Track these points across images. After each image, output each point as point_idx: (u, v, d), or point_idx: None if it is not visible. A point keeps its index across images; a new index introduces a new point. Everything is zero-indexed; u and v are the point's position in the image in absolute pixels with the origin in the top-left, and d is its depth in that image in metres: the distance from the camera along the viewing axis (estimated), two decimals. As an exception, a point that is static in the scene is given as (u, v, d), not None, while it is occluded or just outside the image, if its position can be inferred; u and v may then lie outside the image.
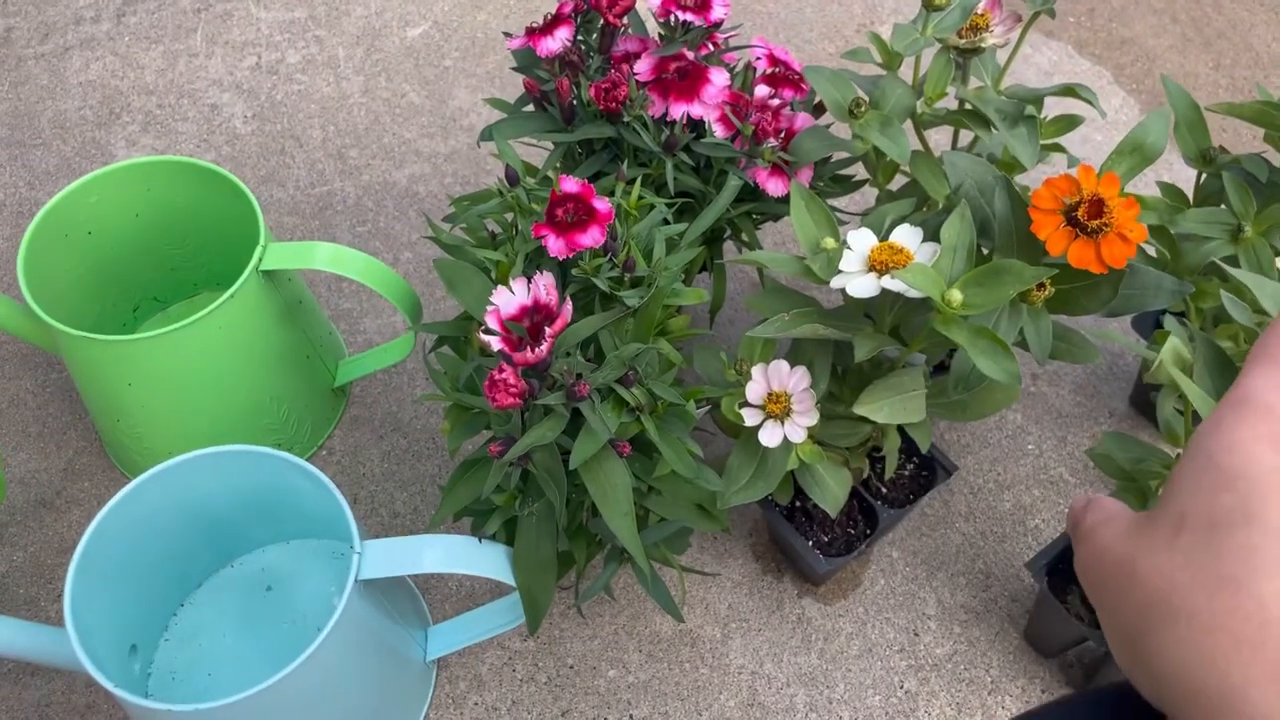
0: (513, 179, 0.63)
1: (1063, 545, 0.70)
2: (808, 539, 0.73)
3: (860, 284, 0.60)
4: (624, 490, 0.57)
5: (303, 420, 0.81)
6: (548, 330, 0.53)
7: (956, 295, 0.59)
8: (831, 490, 0.67)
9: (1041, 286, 0.60)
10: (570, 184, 0.61)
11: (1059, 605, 0.68)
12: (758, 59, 0.73)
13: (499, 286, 0.56)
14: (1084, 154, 1.03)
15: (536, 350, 0.52)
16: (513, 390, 0.52)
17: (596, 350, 0.61)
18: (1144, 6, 1.15)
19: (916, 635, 0.76)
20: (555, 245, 0.59)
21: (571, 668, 0.74)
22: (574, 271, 0.59)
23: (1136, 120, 1.06)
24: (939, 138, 1.02)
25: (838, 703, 0.73)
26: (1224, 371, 0.56)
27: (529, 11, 1.14)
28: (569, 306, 0.54)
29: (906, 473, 0.75)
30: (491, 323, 0.54)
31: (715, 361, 0.66)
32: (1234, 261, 0.65)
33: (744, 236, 0.75)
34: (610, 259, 0.60)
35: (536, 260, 0.62)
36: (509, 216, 0.65)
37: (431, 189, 0.99)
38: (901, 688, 0.73)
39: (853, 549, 0.72)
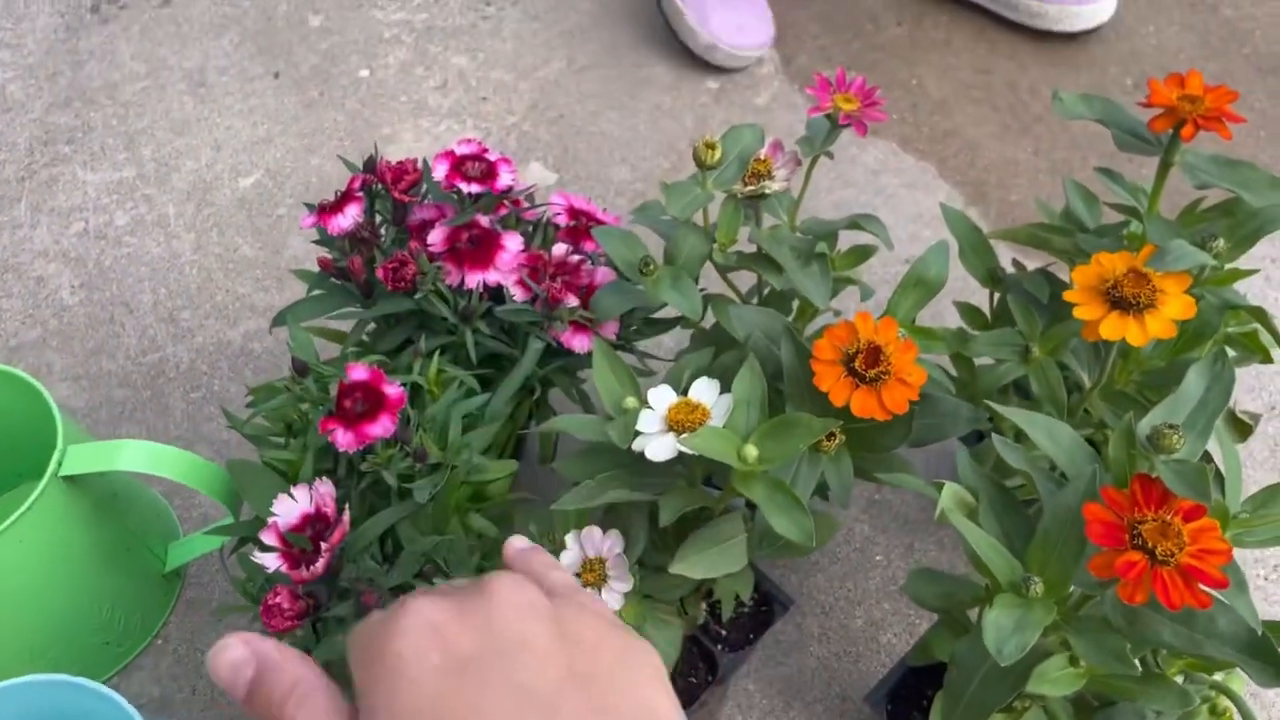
0: (301, 370, 0.62)
1: (901, 673, 0.69)
2: (649, 693, 0.72)
3: (658, 446, 0.60)
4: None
5: (131, 614, 0.78)
6: (323, 545, 0.52)
7: (751, 451, 0.59)
8: (660, 650, 0.66)
9: (832, 436, 0.61)
10: (359, 371, 0.60)
11: (902, 735, 0.68)
12: (558, 214, 0.74)
13: (280, 495, 0.55)
14: (915, 251, 1.05)
15: (312, 568, 0.51)
16: (288, 614, 0.50)
17: (396, 543, 0.60)
18: (964, 97, 1.19)
19: (777, 771, 0.75)
20: (344, 439, 0.58)
21: None
22: (363, 467, 0.58)
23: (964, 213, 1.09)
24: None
25: None
26: (1009, 510, 0.57)
27: (364, 152, 1.13)
28: (347, 517, 0.53)
29: (747, 609, 0.75)
30: (269, 538, 0.53)
31: (531, 529, 0.66)
32: (1026, 382, 0.67)
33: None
34: (402, 448, 0.59)
35: (334, 452, 0.61)
36: (304, 406, 0.64)
37: (267, 345, 0.98)
38: (764, 830, 0.72)
39: (695, 699, 0.71)
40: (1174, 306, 0.57)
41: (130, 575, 0.77)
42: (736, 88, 1.20)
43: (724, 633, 0.74)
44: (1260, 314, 0.62)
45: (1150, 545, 0.48)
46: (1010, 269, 0.75)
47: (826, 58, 1.23)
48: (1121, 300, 0.57)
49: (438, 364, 0.65)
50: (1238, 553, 0.86)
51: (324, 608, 0.53)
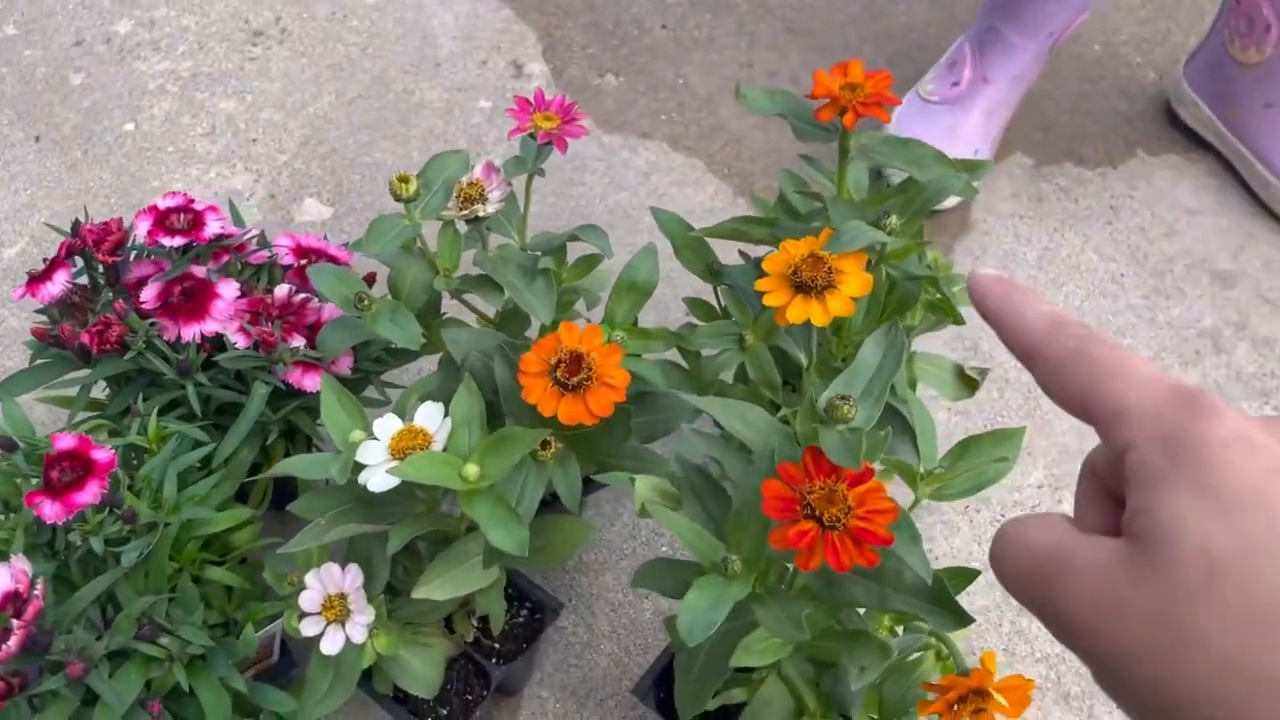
0: (8, 446, 0.61)
1: (667, 660, 0.72)
2: (425, 718, 0.73)
3: (381, 477, 0.61)
4: (158, 752, 0.56)
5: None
6: (15, 624, 0.51)
7: (472, 469, 0.60)
8: (420, 674, 0.67)
9: (547, 444, 0.63)
10: (65, 440, 0.59)
11: (671, 722, 0.70)
12: (285, 255, 0.74)
13: (-21, 577, 0.54)
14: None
15: (5, 647, 0.50)
16: (-19, 697, 0.50)
17: (119, 608, 0.59)
18: (728, 92, 1.23)
19: (573, 773, 0.76)
20: (51, 511, 0.57)
21: None
22: (70, 537, 0.58)
23: (732, 205, 1.13)
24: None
25: None
26: (711, 494, 0.59)
27: (133, 206, 1.11)
28: (40, 591, 0.52)
29: (521, 619, 0.76)
30: (-38, 623, 0.52)
31: (266, 576, 0.66)
32: (745, 370, 0.69)
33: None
34: (112, 512, 0.59)
35: (52, 525, 0.61)
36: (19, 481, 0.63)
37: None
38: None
39: (470, 714, 0.72)
40: (852, 284, 0.61)
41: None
42: (510, 105, 1.21)
43: (497, 646, 0.75)
44: (932, 281, 0.66)
45: (818, 513, 0.51)
46: (740, 260, 0.78)
47: (596, 66, 1.26)
48: (803, 284, 0.60)
49: (158, 421, 0.64)
50: (947, 504, 0.91)
51: (32, 684, 0.53)
